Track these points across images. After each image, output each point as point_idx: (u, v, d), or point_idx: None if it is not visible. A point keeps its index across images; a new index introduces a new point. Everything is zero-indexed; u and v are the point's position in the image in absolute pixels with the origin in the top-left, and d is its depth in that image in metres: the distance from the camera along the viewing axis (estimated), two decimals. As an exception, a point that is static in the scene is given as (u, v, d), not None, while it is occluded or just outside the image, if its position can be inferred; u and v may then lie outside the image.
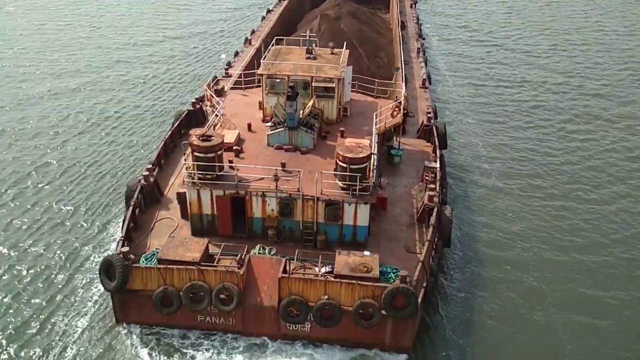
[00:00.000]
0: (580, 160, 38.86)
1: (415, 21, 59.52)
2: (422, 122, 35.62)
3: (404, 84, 36.80)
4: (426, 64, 47.71)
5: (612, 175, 37.16)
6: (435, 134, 34.03)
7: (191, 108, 35.95)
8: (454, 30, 65.85)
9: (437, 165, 30.85)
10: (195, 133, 26.25)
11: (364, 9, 62.30)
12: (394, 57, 49.52)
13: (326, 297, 22.94)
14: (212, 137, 25.74)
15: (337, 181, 25.50)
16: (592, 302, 26.80)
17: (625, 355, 24.05)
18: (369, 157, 25.18)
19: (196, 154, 25.32)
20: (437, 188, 28.61)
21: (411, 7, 64.67)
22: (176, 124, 34.66)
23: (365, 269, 23.54)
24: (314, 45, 33.45)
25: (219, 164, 25.57)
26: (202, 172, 25.52)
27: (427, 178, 29.95)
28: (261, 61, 32.07)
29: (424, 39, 55.73)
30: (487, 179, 36.25)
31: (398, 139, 33.31)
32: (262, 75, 31.17)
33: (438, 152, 32.35)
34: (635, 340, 24.61)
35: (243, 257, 24.09)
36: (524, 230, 31.54)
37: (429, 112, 36.44)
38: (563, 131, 42.62)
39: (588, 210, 33.57)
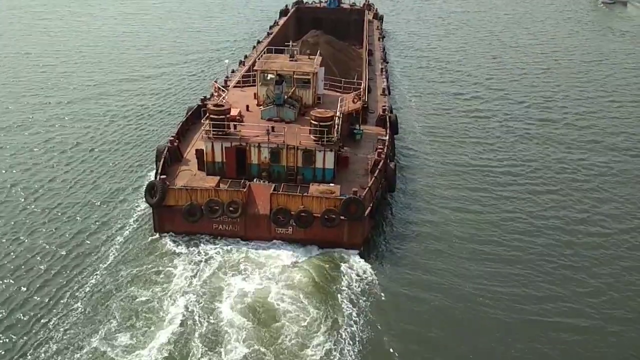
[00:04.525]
0: (500, 131, 52.25)
1: (382, 50, 72.59)
2: (379, 114, 47.52)
3: (364, 82, 48.94)
4: (387, 80, 60.11)
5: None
6: (388, 122, 45.88)
7: (200, 103, 47.49)
8: (414, 58, 79.76)
9: (387, 138, 42.64)
10: (210, 102, 37.89)
11: (340, 41, 75.21)
12: (362, 75, 61.86)
13: (302, 207, 34.12)
14: (223, 105, 37.44)
15: (311, 135, 37.03)
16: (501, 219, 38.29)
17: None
18: (333, 117, 36.94)
19: (212, 115, 36.82)
20: (385, 150, 40.25)
21: (379, 40, 78.03)
22: (189, 113, 46.17)
23: (330, 191, 34.90)
24: (295, 52, 45.56)
25: (227, 123, 37.06)
26: (215, 129, 36.95)
27: (378, 145, 41.58)
28: (256, 60, 44.08)
29: (387, 62, 68.56)
30: (428, 154, 48.64)
31: (359, 124, 45.01)
32: (257, 70, 43.10)
33: (389, 132, 44.22)
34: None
35: (245, 184, 35.36)
36: (451, 183, 43.67)
37: (384, 107, 48.42)
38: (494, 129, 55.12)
39: (502, 162, 47.20)
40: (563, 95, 64.87)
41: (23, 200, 39.55)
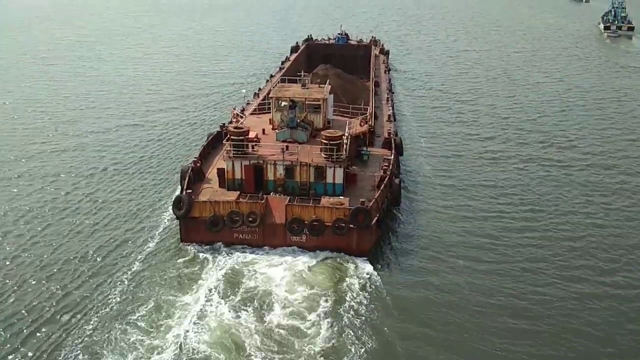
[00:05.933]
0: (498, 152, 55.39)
1: (388, 82, 77.45)
2: (385, 137, 51.73)
3: (371, 107, 53.36)
4: (393, 108, 64.65)
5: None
6: (394, 144, 50.07)
7: (219, 129, 52.05)
8: (420, 90, 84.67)
9: (392, 157, 46.74)
10: (231, 126, 42.32)
11: (348, 75, 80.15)
12: (369, 101, 66.41)
13: (315, 216, 38.04)
14: (242, 127, 41.87)
15: (322, 153, 41.22)
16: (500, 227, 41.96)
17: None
18: (341, 137, 41.24)
19: (232, 137, 41.20)
20: (390, 167, 44.29)
21: (385, 72, 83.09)
22: (210, 138, 50.64)
23: (340, 203, 38.89)
24: (307, 81, 50.17)
25: (246, 143, 41.37)
26: (235, 149, 41.25)
27: (384, 164, 45.62)
28: (271, 89, 48.68)
29: (393, 93, 73.31)
30: (432, 174, 52.74)
31: (366, 146, 49.16)
32: (272, 97, 47.64)
33: (394, 152, 48.36)
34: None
35: (263, 197, 39.46)
36: (454, 200, 47.59)
37: (390, 130, 52.68)
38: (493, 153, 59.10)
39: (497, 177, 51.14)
40: (569, 125, 68.67)
41: (65, 211, 44.54)
